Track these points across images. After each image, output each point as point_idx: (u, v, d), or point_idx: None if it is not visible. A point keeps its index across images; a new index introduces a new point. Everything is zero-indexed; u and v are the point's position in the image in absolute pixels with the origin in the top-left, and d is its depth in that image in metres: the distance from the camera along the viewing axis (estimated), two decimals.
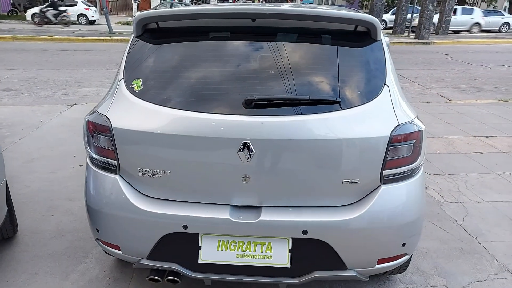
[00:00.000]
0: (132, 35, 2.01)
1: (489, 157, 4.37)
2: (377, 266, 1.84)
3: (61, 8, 20.56)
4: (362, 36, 1.90)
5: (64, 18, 19.96)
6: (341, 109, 1.70)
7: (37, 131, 4.99)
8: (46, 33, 16.38)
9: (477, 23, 21.78)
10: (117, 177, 1.85)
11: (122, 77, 1.89)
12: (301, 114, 1.68)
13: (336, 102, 1.70)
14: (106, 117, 1.81)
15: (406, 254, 1.91)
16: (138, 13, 1.93)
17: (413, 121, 1.80)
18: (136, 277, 2.39)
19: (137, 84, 1.83)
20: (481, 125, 5.55)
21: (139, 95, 1.80)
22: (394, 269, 2.12)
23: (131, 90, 1.83)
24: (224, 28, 1.91)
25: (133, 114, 1.78)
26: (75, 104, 6.34)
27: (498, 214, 3.18)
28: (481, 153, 4.51)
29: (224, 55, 1.87)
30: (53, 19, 19.66)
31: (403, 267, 2.20)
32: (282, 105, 1.70)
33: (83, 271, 2.43)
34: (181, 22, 1.92)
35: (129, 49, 1.99)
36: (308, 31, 1.90)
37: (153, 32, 1.97)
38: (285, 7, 1.89)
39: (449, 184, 3.69)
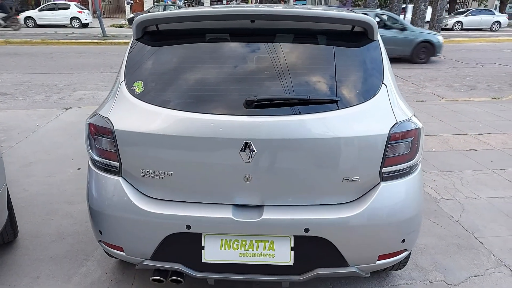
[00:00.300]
0: (132, 38, 2.03)
1: (483, 154, 4.43)
2: (378, 262, 1.87)
3: (11, 12, 20.27)
4: (359, 36, 1.93)
5: (14, 22, 19.62)
6: (341, 108, 1.73)
7: (33, 135, 4.97)
8: (39, 36, 16.30)
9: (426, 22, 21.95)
10: (120, 178, 1.86)
11: (123, 79, 1.91)
12: (302, 113, 1.71)
13: (335, 101, 1.73)
14: (108, 119, 1.83)
15: (406, 250, 1.94)
16: (138, 16, 1.95)
17: (410, 119, 1.83)
18: (138, 278, 2.40)
19: (138, 86, 1.85)
20: (475, 123, 5.62)
21: (141, 97, 1.82)
22: (394, 265, 2.14)
23: (132, 92, 1.85)
24: (223, 30, 1.94)
25: (135, 116, 1.79)
26: (71, 107, 6.32)
27: (493, 210, 3.23)
28: (476, 150, 4.57)
29: (225, 57, 1.89)
30: (1, 22, 19.29)
31: (402, 263, 2.23)
32: (282, 105, 1.73)
33: (85, 274, 2.44)
34: (181, 25, 1.94)
35: (129, 51, 2.00)
36: (306, 32, 1.93)
37: (153, 34, 1.99)
38: (284, 8, 1.92)
39: (445, 181, 3.74)
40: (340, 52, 1.87)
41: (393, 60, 11.84)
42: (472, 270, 2.51)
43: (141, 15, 1.93)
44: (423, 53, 11.45)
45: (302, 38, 1.93)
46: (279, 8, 1.94)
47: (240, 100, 1.73)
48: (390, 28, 11.39)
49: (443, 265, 2.55)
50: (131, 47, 2.01)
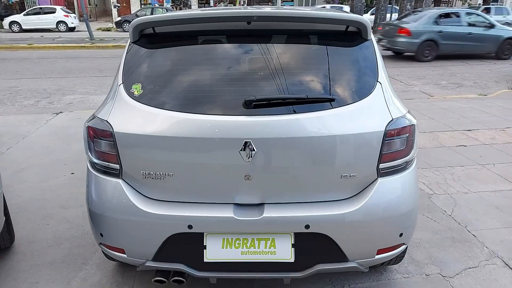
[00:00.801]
0: (129, 41, 2.04)
1: (472, 150, 4.53)
2: (377, 256, 1.91)
3: None
4: (354, 36, 1.97)
5: None
6: (338, 106, 1.76)
7: (24, 140, 4.92)
8: (25, 41, 16.09)
9: None
10: (120, 180, 1.87)
11: (121, 82, 1.92)
12: (300, 112, 1.74)
13: (333, 100, 1.77)
14: (107, 122, 1.83)
15: (404, 244, 1.98)
16: (135, 19, 1.96)
17: (405, 115, 1.88)
18: (138, 280, 2.40)
19: (136, 89, 1.86)
20: (463, 119, 5.74)
21: (139, 99, 1.83)
22: (391, 260, 2.19)
23: (131, 94, 1.86)
24: (220, 31, 1.96)
25: (135, 118, 1.80)
26: (61, 112, 6.26)
27: (484, 204, 3.31)
28: (465, 146, 4.67)
29: (223, 58, 1.91)
30: None
31: (399, 257, 2.28)
32: (281, 104, 1.75)
33: (85, 278, 2.43)
34: (178, 27, 1.96)
35: (126, 54, 2.01)
36: (302, 33, 1.96)
37: (149, 37, 2.00)
38: (280, 10, 1.95)
39: (437, 177, 3.82)
40: (335, 51, 1.91)
41: (477, 56, 11.96)
42: (466, 262, 2.57)
43: (138, 18, 1.94)
44: (507, 49, 12.03)
45: (298, 38, 1.96)
46: (275, 9, 1.97)
47: (239, 100, 1.75)
48: (478, 26, 11.79)
49: (438, 258, 2.60)
50: (128, 50, 2.02)
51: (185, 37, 1.98)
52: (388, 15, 19.55)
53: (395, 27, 12.01)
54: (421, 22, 11.65)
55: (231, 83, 1.84)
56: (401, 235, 1.92)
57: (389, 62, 11.41)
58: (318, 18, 1.89)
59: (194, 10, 2.09)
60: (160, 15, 1.91)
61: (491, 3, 28.52)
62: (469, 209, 3.22)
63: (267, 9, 1.91)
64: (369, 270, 2.39)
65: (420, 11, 12.77)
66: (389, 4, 19.51)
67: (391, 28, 12.31)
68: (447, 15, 11.92)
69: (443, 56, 12.00)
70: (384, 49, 12.94)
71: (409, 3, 17.95)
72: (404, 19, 12.71)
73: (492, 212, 3.17)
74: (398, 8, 19.39)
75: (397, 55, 12.77)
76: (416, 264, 2.55)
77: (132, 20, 2.02)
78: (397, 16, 19.15)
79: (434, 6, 26.04)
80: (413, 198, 1.94)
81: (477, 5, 27.82)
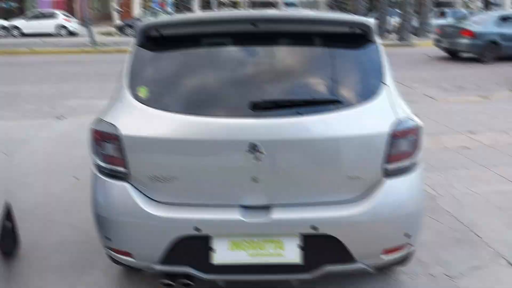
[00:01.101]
0: (135, 44, 2.05)
1: (476, 152, 4.54)
2: (385, 257, 1.92)
3: None
4: (359, 38, 1.98)
5: None
6: (345, 108, 1.78)
7: (27, 146, 4.91)
8: (27, 46, 16.14)
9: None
10: (127, 184, 1.87)
11: (127, 85, 1.92)
12: (307, 114, 1.75)
13: (339, 102, 1.78)
14: (114, 125, 1.84)
15: (410, 245, 1.99)
16: (142, 22, 1.98)
17: (410, 117, 1.90)
18: (144, 284, 2.40)
19: (143, 91, 1.87)
20: (466, 121, 5.74)
21: (146, 102, 1.84)
22: (398, 261, 2.18)
23: (137, 97, 1.87)
24: (227, 33, 1.97)
25: (141, 121, 1.81)
26: (64, 117, 6.26)
27: (488, 205, 3.31)
28: (469, 148, 4.67)
29: (229, 60, 1.93)
30: None
31: (406, 259, 2.27)
32: (288, 106, 1.77)
33: (91, 282, 2.43)
34: (184, 29, 1.97)
35: (132, 57, 2.01)
36: (307, 35, 1.98)
37: (155, 40, 2.01)
38: (286, 12, 1.97)
39: (441, 178, 3.81)
40: (341, 53, 1.93)
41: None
42: (471, 262, 2.57)
43: (144, 21, 1.95)
44: None
45: (304, 40, 1.97)
46: (282, 12, 1.99)
47: (247, 103, 1.76)
48: None
49: (443, 258, 2.60)
50: (134, 53, 2.02)
51: (191, 39, 1.99)
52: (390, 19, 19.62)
53: (457, 29, 12.07)
54: (483, 24, 11.77)
55: (238, 85, 1.86)
56: (407, 235, 1.93)
57: (391, 65, 11.41)
58: (324, 20, 1.91)
59: (201, 13, 2.10)
60: (166, 17, 1.93)
61: (492, 6, 28.58)
62: (473, 210, 3.22)
63: (273, 12, 1.93)
64: (375, 271, 2.40)
65: (479, 13, 12.87)
66: (389, 8, 19.57)
67: (453, 30, 12.36)
68: (508, 18, 12.04)
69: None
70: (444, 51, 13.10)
71: (409, 6, 18.00)
72: (464, 21, 12.75)
73: (495, 213, 3.17)
74: (399, 11, 19.40)
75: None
76: (421, 265, 2.54)
77: (134, 24, 2.04)
78: (398, 19, 19.24)
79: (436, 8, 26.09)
80: (420, 199, 1.95)
81: (479, 8, 27.92)
